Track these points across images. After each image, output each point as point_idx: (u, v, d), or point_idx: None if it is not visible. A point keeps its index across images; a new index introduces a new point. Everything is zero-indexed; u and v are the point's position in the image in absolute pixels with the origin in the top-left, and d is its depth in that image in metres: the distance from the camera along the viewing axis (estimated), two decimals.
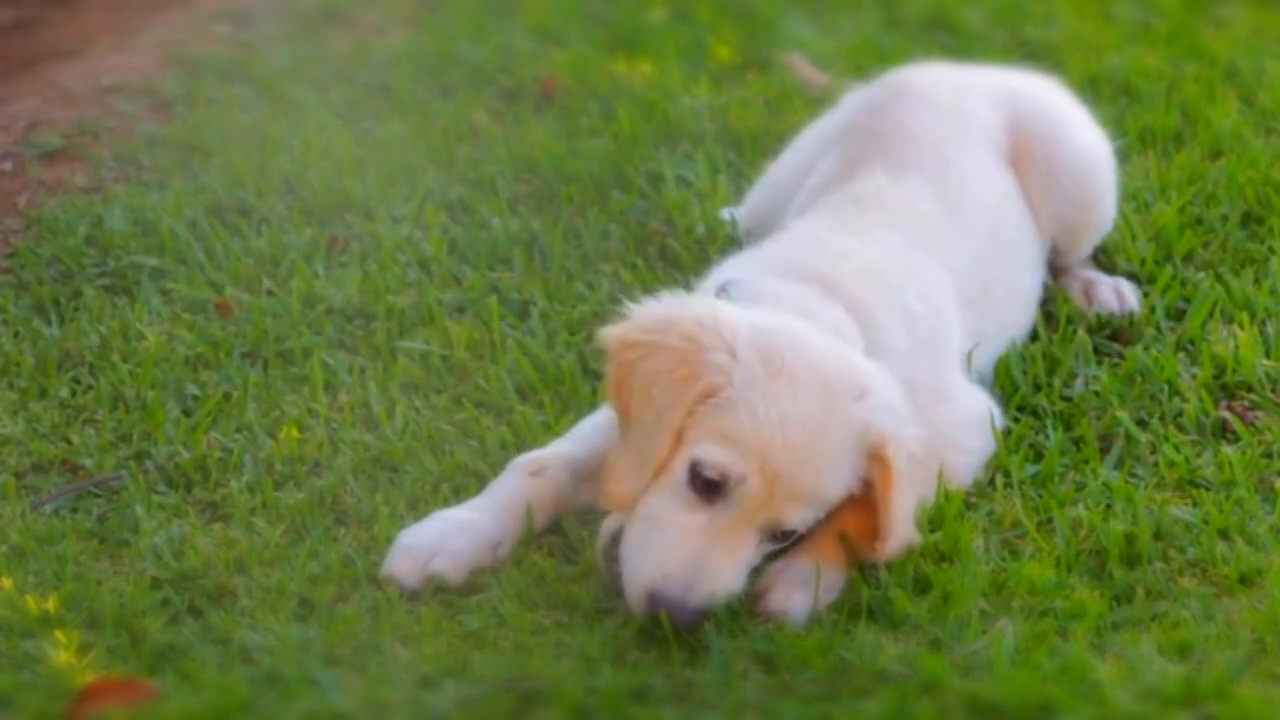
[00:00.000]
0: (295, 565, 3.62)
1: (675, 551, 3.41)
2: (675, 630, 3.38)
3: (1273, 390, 4.09)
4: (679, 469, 3.45)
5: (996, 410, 3.92)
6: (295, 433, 4.03)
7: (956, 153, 4.17)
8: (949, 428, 3.79)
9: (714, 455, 3.42)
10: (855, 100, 4.43)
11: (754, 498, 3.42)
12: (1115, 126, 4.97)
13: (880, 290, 3.79)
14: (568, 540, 3.68)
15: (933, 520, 3.67)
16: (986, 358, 4.08)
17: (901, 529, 3.54)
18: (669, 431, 3.44)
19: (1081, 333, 4.26)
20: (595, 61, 5.85)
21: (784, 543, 3.51)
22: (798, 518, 3.46)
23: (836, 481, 3.48)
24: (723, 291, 3.70)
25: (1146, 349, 4.21)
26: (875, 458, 3.48)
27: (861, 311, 3.73)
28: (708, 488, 3.43)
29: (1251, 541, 3.62)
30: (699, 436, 3.44)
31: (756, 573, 3.51)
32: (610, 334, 3.55)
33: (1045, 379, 4.13)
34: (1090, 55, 5.70)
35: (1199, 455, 3.90)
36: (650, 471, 3.46)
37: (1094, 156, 4.41)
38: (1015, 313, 4.22)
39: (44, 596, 3.52)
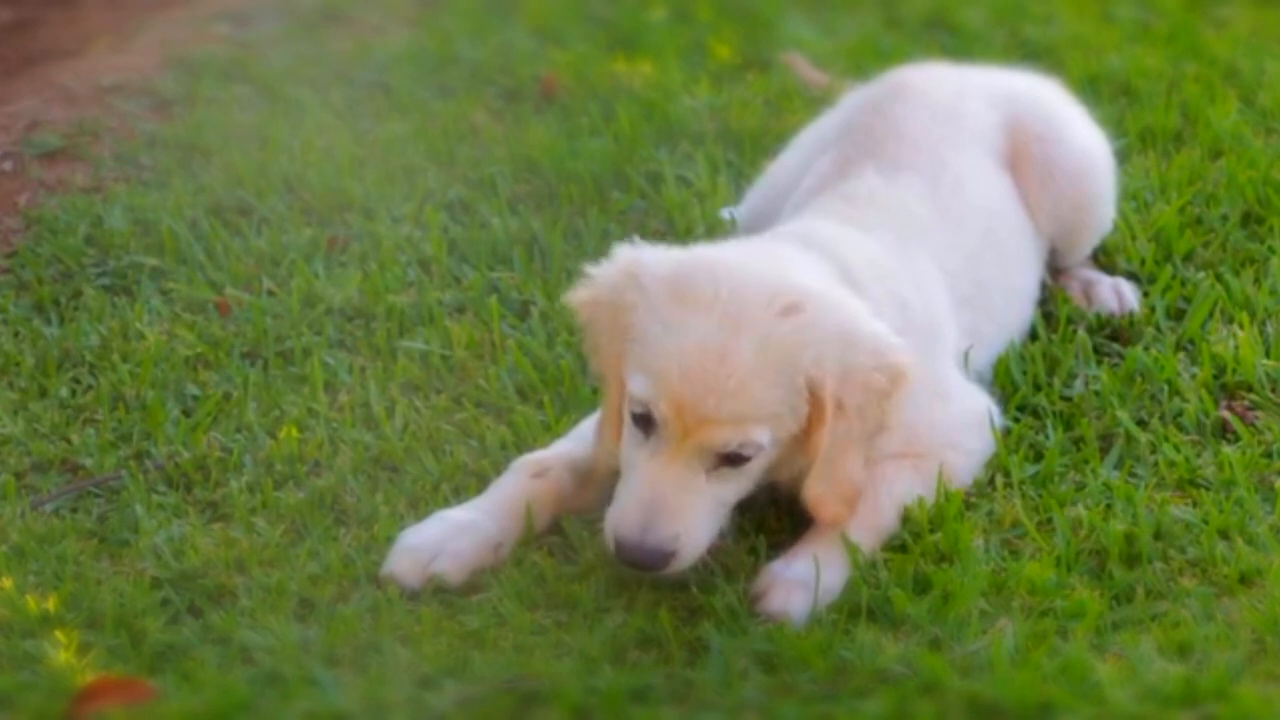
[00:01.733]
0: (295, 565, 3.62)
1: (628, 494, 3.48)
2: (641, 571, 3.44)
3: (1273, 390, 4.09)
4: (625, 410, 3.52)
5: (995, 410, 3.92)
6: (295, 433, 4.03)
7: (952, 154, 4.17)
8: (947, 427, 3.79)
9: (634, 388, 3.48)
10: (853, 100, 4.43)
11: (671, 426, 3.44)
12: (1115, 126, 4.97)
13: (871, 266, 3.77)
14: (568, 540, 3.68)
15: (933, 520, 3.67)
16: (984, 358, 4.08)
17: (833, 473, 3.52)
18: (613, 377, 3.55)
19: (1081, 333, 4.26)
20: (595, 61, 5.85)
21: (740, 466, 3.48)
22: (721, 440, 3.44)
23: (762, 402, 3.44)
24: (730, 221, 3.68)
25: (1146, 349, 4.21)
26: (807, 384, 3.47)
27: (849, 270, 3.69)
28: (643, 423, 3.48)
29: (1251, 541, 3.62)
30: (628, 373, 3.50)
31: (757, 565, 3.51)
32: (570, 301, 3.66)
33: (1045, 379, 4.13)
34: (1090, 55, 5.70)
35: (1199, 455, 3.90)
36: (610, 422, 3.56)
37: (1093, 157, 4.41)
38: (1012, 313, 4.21)
39: (44, 596, 3.53)
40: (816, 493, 3.55)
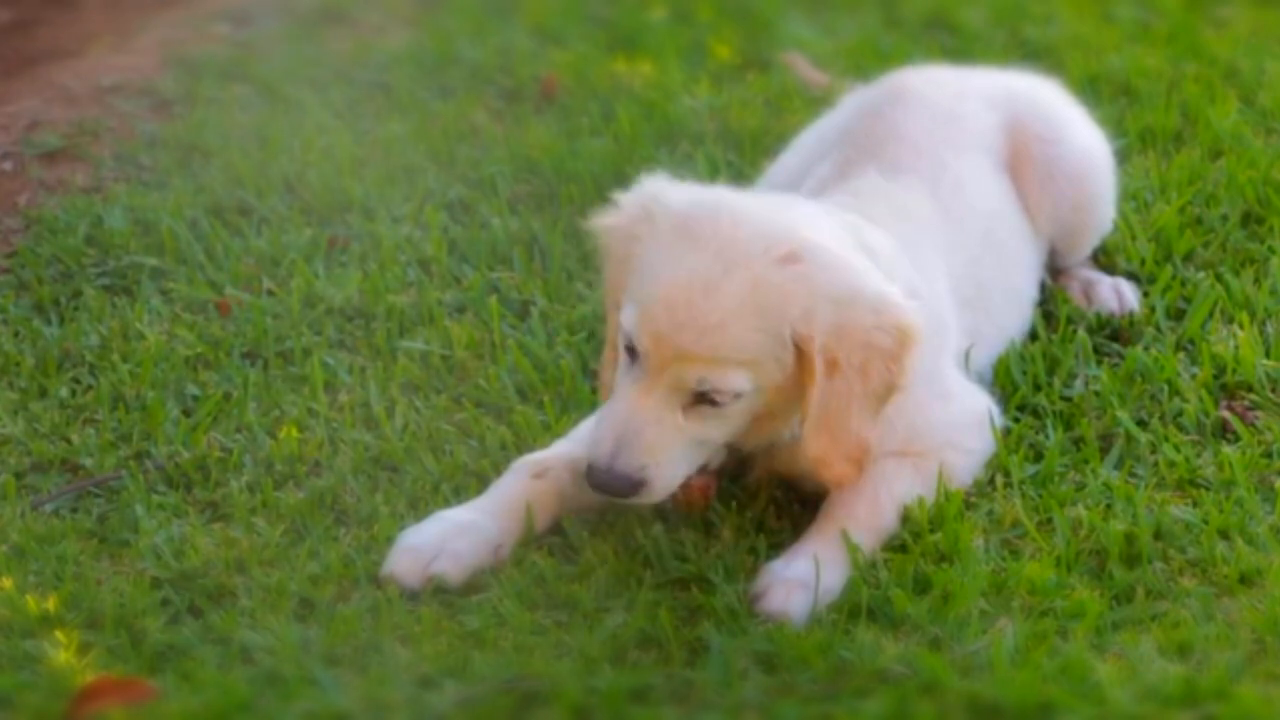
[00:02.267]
0: (295, 565, 3.62)
1: (605, 419, 3.52)
2: (611, 497, 3.50)
3: (1273, 390, 4.09)
4: (620, 339, 3.55)
5: (996, 410, 3.92)
6: (295, 433, 4.03)
7: (952, 156, 4.17)
8: (948, 426, 3.79)
9: (623, 317, 3.51)
10: (853, 102, 4.42)
11: (650, 358, 3.46)
12: (1115, 126, 4.97)
13: (886, 252, 3.76)
14: (568, 540, 3.68)
15: (933, 520, 3.67)
16: (984, 358, 4.08)
17: (836, 431, 3.50)
18: (613, 307, 3.59)
19: (1081, 333, 4.26)
20: (595, 61, 5.85)
21: (720, 408, 3.48)
22: (696, 376, 3.45)
23: (741, 345, 3.44)
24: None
25: (1146, 349, 4.21)
26: (794, 337, 3.46)
27: (869, 245, 3.69)
28: (631, 353, 3.51)
29: (1251, 541, 3.62)
30: (624, 303, 3.53)
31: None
32: (593, 228, 3.67)
33: (1045, 379, 4.13)
34: (1090, 55, 5.70)
35: (1199, 455, 3.90)
36: (609, 354, 3.62)
37: (1093, 157, 4.41)
38: (1012, 314, 4.21)
39: (44, 596, 3.53)
40: (818, 451, 3.53)
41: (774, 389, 3.50)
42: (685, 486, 3.63)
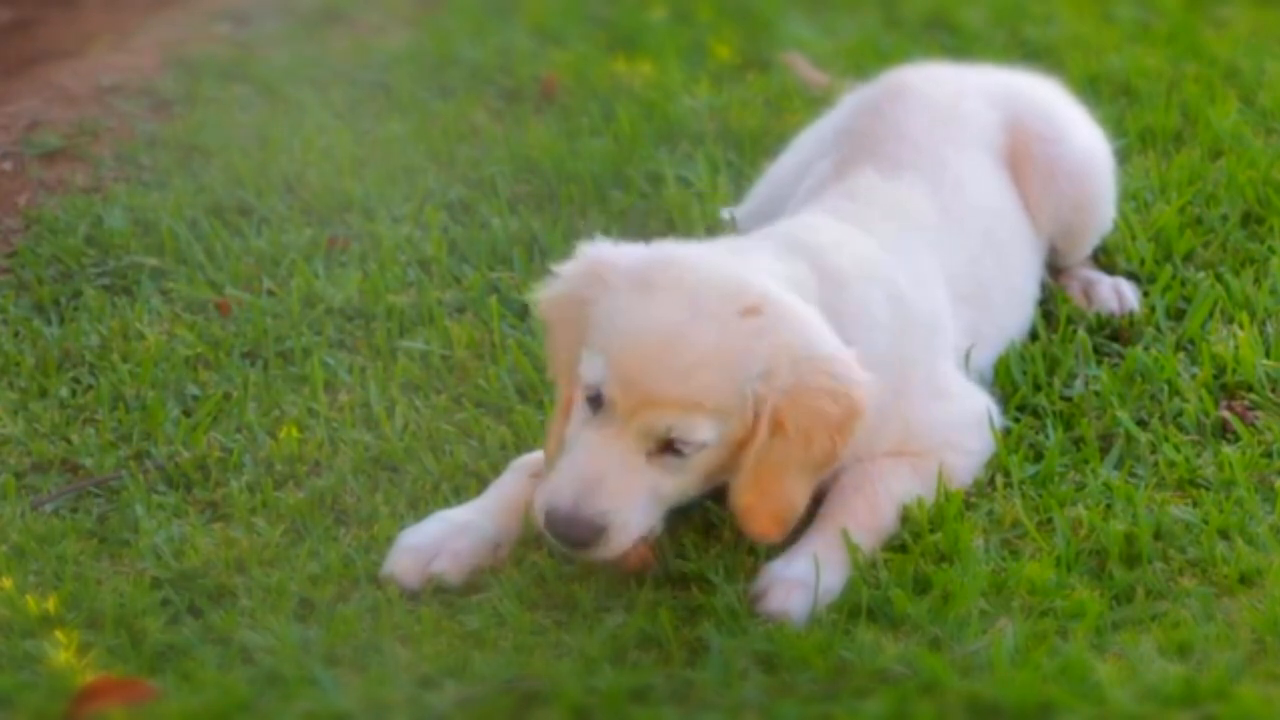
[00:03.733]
0: (295, 565, 3.62)
1: (565, 465, 3.47)
2: (568, 547, 3.44)
3: (1273, 390, 4.09)
4: (578, 398, 3.52)
5: (995, 410, 3.92)
6: (295, 433, 4.03)
7: (953, 154, 4.16)
8: (946, 426, 3.79)
9: (586, 371, 3.48)
10: (853, 101, 4.42)
11: (617, 405, 3.43)
12: (1115, 126, 4.97)
13: (861, 261, 3.75)
14: None
15: (933, 520, 3.67)
16: (985, 358, 4.07)
17: (768, 489, 3.49)
18: (566, 373, 3.56)
19: (1081, 332, 4.26)
20: (595, 61, 5.85)
21: (684, 458, 3.45)
22: (665, 423, 3.42)
23: (709, 393, 3.41)
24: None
25: (1146, 349, 4.21)
26: (752, 393, 3.43)
27: (831, 273, 3.67)
28: (593, 404, 3.48)
29: (1251, 541, 3.62)
30: (583, 359, 3.50)
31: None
32: (535, 302, 3.66)
33: (1045, 379, 4.13)
34: (1090, 55, 5.70)
35: (1199, 455, 3.90)
36: (556, 422, 3.57)
37: (1093, 157, 4.41)
38: (1012, 314, 4.21)
39: (44, 596, 3.53)
40: (746, 502, 3.51)
41: (733, 442, 3.48)
42: (630, 555, 3.55)
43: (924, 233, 3.98)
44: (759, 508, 3.52)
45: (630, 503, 3.44)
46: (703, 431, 3.44)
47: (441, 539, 3.59)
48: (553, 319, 3.61)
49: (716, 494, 3.77)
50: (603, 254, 3.58)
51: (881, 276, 3.76)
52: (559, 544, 3.47)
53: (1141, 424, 4.00)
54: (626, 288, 3.49)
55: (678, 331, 3.42)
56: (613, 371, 3.43)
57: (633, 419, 3.43)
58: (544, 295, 3.62)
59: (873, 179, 4.03)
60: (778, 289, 3.53)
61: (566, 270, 3.60)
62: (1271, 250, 4.59)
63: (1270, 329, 4.28)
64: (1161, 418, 4.01)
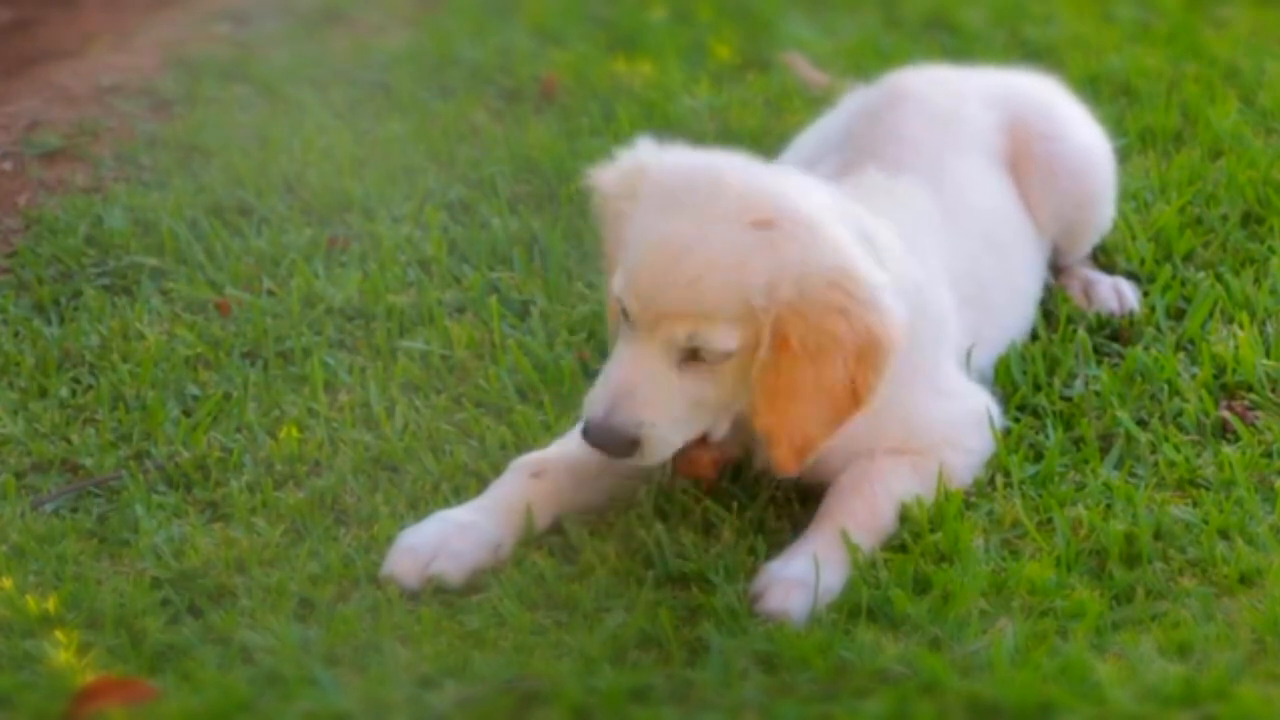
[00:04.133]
0: (295, 565, 3.62)
1: (602, 378, 3.54)
2: (609, 454, 3.50)
3: (1273, 390, 4.09)
4: (614, 305, 3.59)
5: (996, 409, 3.92)
6: (295, 433, 4.03)
7: (952, 157, 4.16)
8: (946, 424, 3.79)
9: (615, 281, 3.55)
10: (853, 103, 4.42)
11: (639, 319, 3.49)
12: (1115, 126, 4.97)
13: (890, 246, 3.75)
14: (568, 540, 3.68)
15: (933, 520, 3.67)
16: (985, 358, 4.07)
17: (783, 410, 3.49)
18: (610, 268, 3.61)
19: (1081, 332, 4.26)
20: (595, 61, 5.85)
21: (713, 365, 3.49)
22: (682, 333, 3.47)
23: (718, 304, 3.45)
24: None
25: (1146, 349, 4.21)
26: (758, 305, 3.46)
27: (875, 247, 3.66)
28: (625, 316, 3.54)
29: (1251, 541, 3.62)
30: (616, 269, 3.57)
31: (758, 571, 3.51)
32: (592, 184, 3.71)
33: (1045, 379, 4.13)
34: (1090, 55, 5.70)
35: (1199, 455, 3.90)
36: (611, 314, 3.63)
37: (1094, 154, 4.41)
38: (1013, 314, 4.21)
39: (44, 596, 3.53)
40: (763, 424, 3.53)
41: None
42: (693, 459, 3.63)
43: (927, 230, 3.98)
44: (778, 432, 3.52)
45: (663, 412, 3.49)
46: (722, 340, 3.47)
47: (441, 539, 3.59)
48: (601, 211, 3.68)
49: (717, 493, 3.77)
50: (640, 161, 3.64)
51: (904, 265, 3.75)
52: (598, 451, 3.54)
53: (1141, 424, 4.00)
54: (655, 197, 3.55)
55: (684, 243, 3.47)
56: (629, 286, 3.50)
57: (654, 331, 3.48)
58: (596, 182, 3.69)
59: (877, 178, 4.03)
60: (806, 207, 3.53)
61: (605, 178, 3.66)
62: (1271, 250, 4.59)
63: (1270, 329, 4.28)
64: (1161, 418, 4.01)
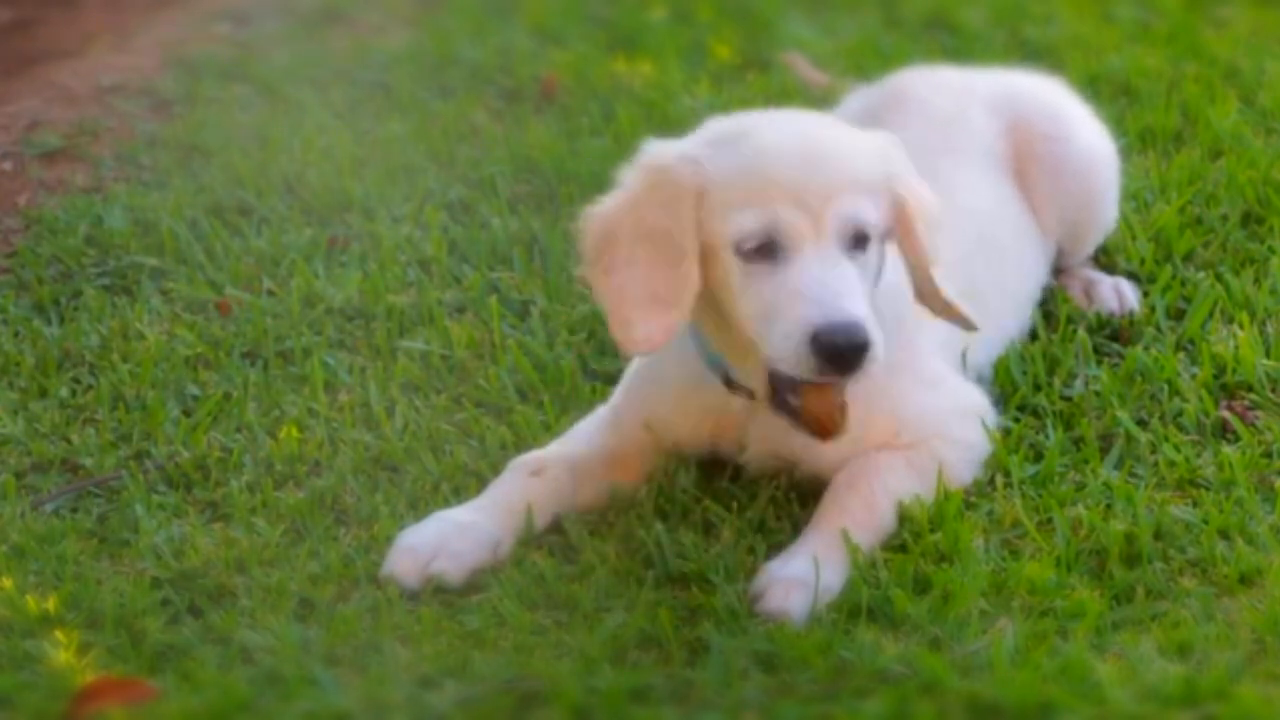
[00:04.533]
0: (295, 565, 3.62)
1: (798, 297, 3.45)
2: (847, 361, 3.42)
3: (1273, 390, 4.09)
4: (729, 263, 3.51)
5: (989, 406, 3.90)
6: (295, 433, 4.03)
7: (948, 161, 4.15)
8: (935, 415, 3.77)
9: (742, 222, 3.49)
10: (855, 103, 4.42)
11: (801, 224, 3.47)
12: (1115, 126, 4.96)
13: None
14: (568, 540, 3.68)
15: (933, 520, 3.67)
16: (983, 358, 4.07)
17: (930, 283, 3.64)
18: (689, 254, 3.52)
19: (1081, 332, 4.26)
20: (595, 61, 5.85)
21: (867, 251, 3.53)
22: (851, 206, 3.49)
23: (865, 170, 3.53)
24: None
25: (1146, 349, 4.21)
26: (890, 193, 3.56)
27: None
28: (766, 253, 3.49)
29: (1251, 541, 3.62)
30: (714, 232, 3.51)
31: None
32: (588, 214, 3.67)
33: (1045, 379, 4.13)
34: (1090, 55, 5.70)
35: (1199, 455, 3.90)
36: (687, 294, 3.52)
37: (1098, 154, 4.41)
38: (1007, 316, 4.20)
39: (44, 596, 3.53)
40: (931, 305, 3.68)
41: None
42: (824, 405, 3.54)
43: None
44: (936, 302, 3.67)
45: (864, 305, 3.48)
46: (878, 214, 3.54)
47: (441, 539, 3.59)
48: (631, 221, 3.59)
49: (717, 494, 3.77)
50: (664, 148, 3.63)
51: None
52: (828, 366, 3.43)
53: (1141, 424, 4.00)
54: (724, 146, 3.55)
55: (818, 129, 3.56)
56: (778, 200, 3.46)
57: (821, 226, 3.47)
58: (607, 208, 3.63)
59: None
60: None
61: (621, 185, 3.64)
62: (1271, 250, 4.59)
63: (1270, 329, 4.28)
64: (1161, 418, 4.01)
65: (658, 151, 3.63)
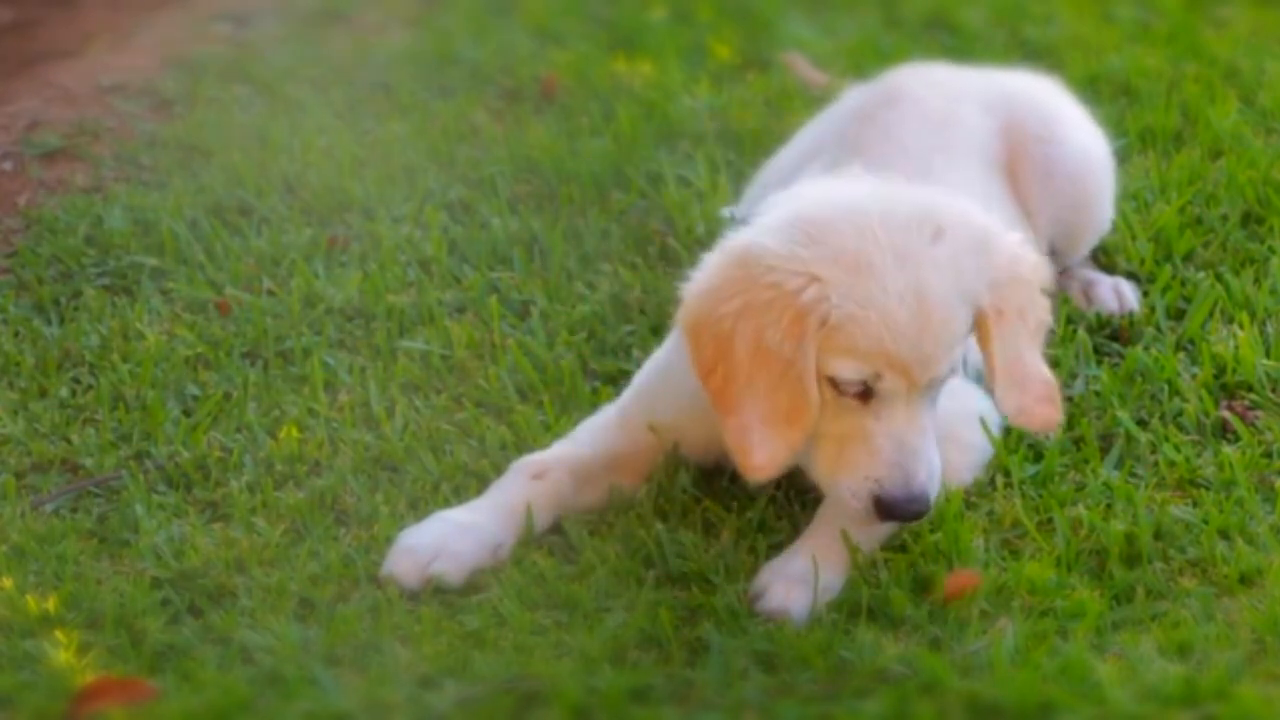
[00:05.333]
0: (295, 565, 3.62)
1: (874, 455, 3.50)
2: (905, 522, 3.54)
3: (1273, 390, 4.09)
4: (821, 384, 3.51)
5: (990, 407, 3.90)
6: (295, 433, 4.03)
7: (941, 159, 4.15)
8: (942, 419, 3.77)
9: (846, 371, 3.48)
10: (851, 102, 4.42)
11: (898, 383, 3.48)
12: (1115, 126, 4.97)
13: None
14: (568, 540, 3.68)
15: (933, 520, 3.67)
16: (975, 357, 4.06)
17: (1022, 379, 3.59)
18: (809, 377, 3.49)
19: (1081, 333, 4.26)
20: (595, 61, 5.85)
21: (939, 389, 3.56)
22: (943, 370, 3.51)
23: (960, 320, 3.52)
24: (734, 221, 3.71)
25: (1146, 349, 4.21)
26: (971, 304, 3.55)
27: None
28: (859, 393, 3.50)
29: (1251, 541, 3.62)
30: (825, 357, 3.49)
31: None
32: (687, 314, 3.56)
33: None
34: (1090, 55, 5.70)
35: (1199, 455, 3.90)
36: (809, 416, 3.50)
37: (1091, 157, 4.40)
38: None
39: (44, 596, 3.53)
40: (1015, 405, 3.61)
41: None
42: None
43: None
44: (1025, 400, 3.61)
45: (936, 460, 3.54)
46: (960, 355, 3.57)
47: (442, 540, 3.59)
48: (744, 328, 3.49)
49: (717, 494, 3.77)
50: (773, 250, 3.52)
51: None
52: (883, 519, 3.52)
53: (1141, 424, 4.00)
54: (844, 275, 3.48)
55: (916, 293, 3.46)
56: (884, 362, 3.46)
57: (914, 388, 3.49)
58: (709, 309, 3.51)
59: (859, 173, 4.02)
60: (930, 199, 3.60)
61: (726, 277, 3.52)
62: (1271, 250, 4.59)
63: (1270, 329, 4.28)
64: (1161, 418, 4.01)
65: (768, 253, 3.51)
